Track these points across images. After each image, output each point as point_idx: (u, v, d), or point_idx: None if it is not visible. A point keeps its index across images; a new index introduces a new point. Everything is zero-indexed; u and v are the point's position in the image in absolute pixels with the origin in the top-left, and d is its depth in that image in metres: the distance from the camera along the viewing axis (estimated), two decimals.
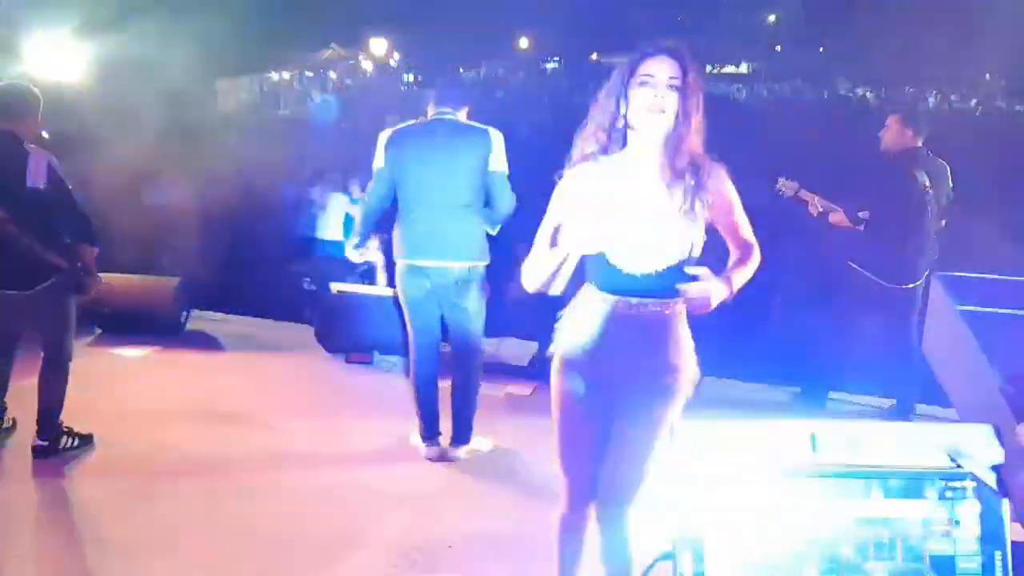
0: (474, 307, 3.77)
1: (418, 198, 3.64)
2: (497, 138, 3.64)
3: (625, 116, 2.08)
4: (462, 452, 3.87)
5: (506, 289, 5.19)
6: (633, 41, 2.14)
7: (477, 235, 3.69)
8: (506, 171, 3.66)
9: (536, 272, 2.07)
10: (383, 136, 3.71)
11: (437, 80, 3.93)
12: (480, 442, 3.96)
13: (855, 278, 4.55)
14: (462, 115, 3.71)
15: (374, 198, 3.77)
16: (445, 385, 3.93)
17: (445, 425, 3.94)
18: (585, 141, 2.18)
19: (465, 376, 3.85)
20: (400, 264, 3.73)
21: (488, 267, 3.79)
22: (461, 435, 3.87)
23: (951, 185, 4.51)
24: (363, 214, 3.89)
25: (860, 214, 4.48)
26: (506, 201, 3.66)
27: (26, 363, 5.07)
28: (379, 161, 3.69)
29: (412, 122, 3.80)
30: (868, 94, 30.92)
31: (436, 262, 3.64)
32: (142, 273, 6.00)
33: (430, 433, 3.86)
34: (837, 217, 4.66)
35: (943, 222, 4.58)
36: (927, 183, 4.33)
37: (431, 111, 3.73)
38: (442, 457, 3.86)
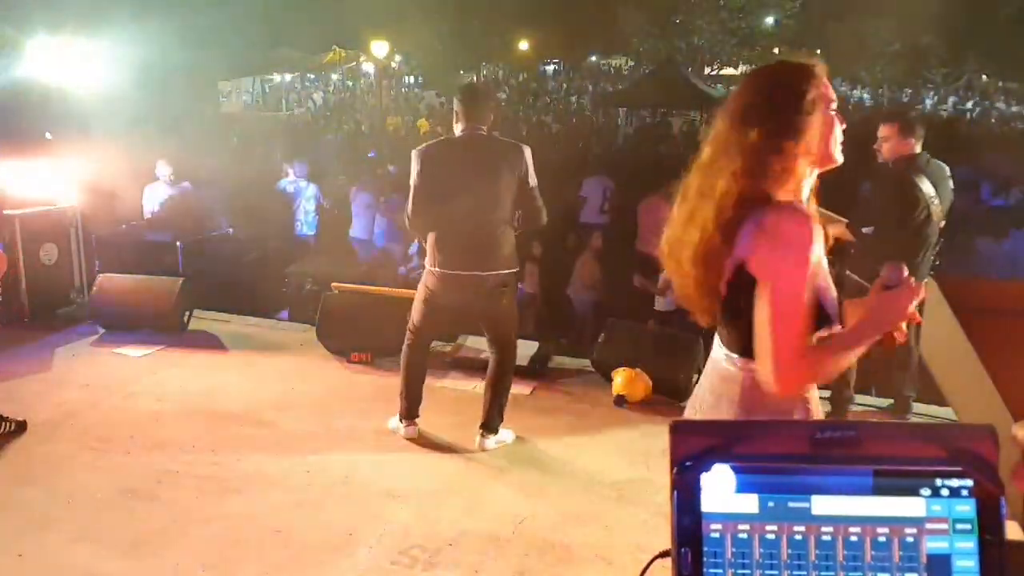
0: (509, 310, 3.98)
1: (456, 211, 3.76)
2: (529, 154, 3.81)
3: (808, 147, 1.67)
4: (491, 442, 4.06)
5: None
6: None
7: (511, 244, 3.88)
8: (536, 183, 3.84)
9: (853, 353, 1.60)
10: (417, 152, 3.84)
11: (461, 94, 3.93)
12: (506, 434, 4.14)
13: (855, 288, 4.35)
14: (487, 128, 3.84)
15: (418, 212, 3.85)
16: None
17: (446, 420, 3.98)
18: (778, 179, 1.65)
19: (501, 373, 4.06)
20: (436, 272, 3.87)
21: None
22: (492, 426, 4.07)
23: (951, 187, 4.45)
24: (412, 228, 4.03)
25: (864, 230, 4.33)
26: (539, 212, 3.87)
27: (27, 362, 5.10)
28: (415, 176, 3.82)
29: (446, 137, 3.97)
30: (865, 95, 30.94)
31: (475, 272, 3.81)
32: (144, 273, 6.01)
33: (412, 413, 4.12)
34: (838, 230, 4.49)
35: (942, 223, 4.56)
36: (932, 192, 4.23)
37: (462, 126, 3.83)
38: (411, 437, 4.12)
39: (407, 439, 4.10)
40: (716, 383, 1.79)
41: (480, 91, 4.14)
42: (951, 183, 4.42)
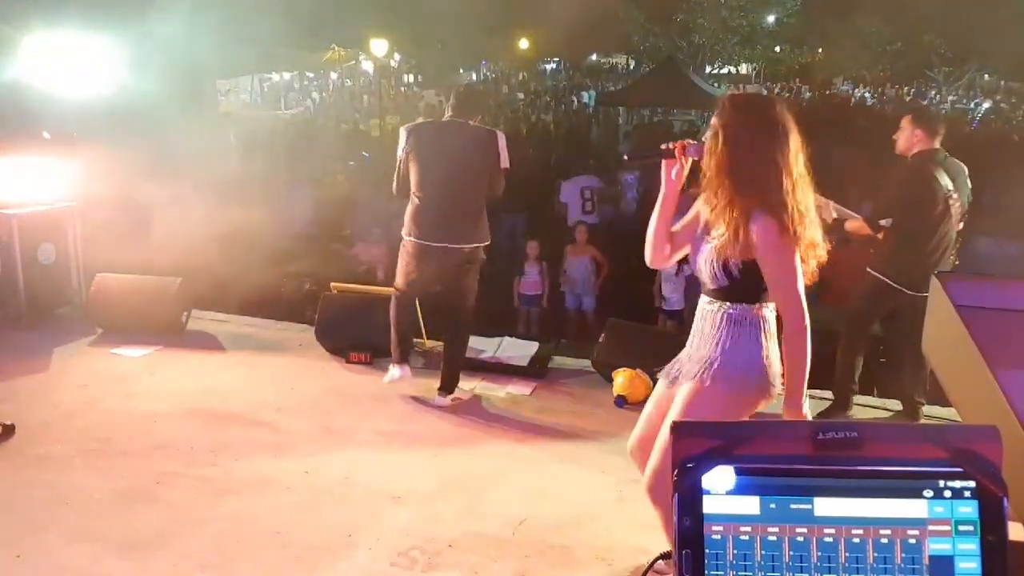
0: (472, 283, 4.35)
1: (435, 186, 4.11)
2: (503, 139, 4.21)
3: None
4: (448, 399, 4.48)
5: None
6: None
7: (484, 220, 4.26)
8: (508, 165, 4.22)
9: None
10: (404, 128, 4.22)
11: (456, 91, 4.41)
12: (459, 392, 4.56)
13: (873, 284, 4.36)
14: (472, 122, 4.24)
15: (401, 183, 4.23)
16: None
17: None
18: None
19: (458, 339, 4.47)
20: (412, 242, 4.20)
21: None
22: (449, 386, 4.49)
23: (970, 186, 4.34)
24: (398, 195, 4.31)
25: (882, 222, 4.29)
26: (501, 188, 4.29)
27: (25, 362, 5.09)
28: (401, 150, 4.19)
29: (431, 119, 4.40)
30: (867, 94, 30.92)
31: (447, 244, 4.16)
32: (143, 273, 5.99)
33: (405, 357, 4.44)
34: (855, 224, 4.38)
35: (961, 224, 4.37)
36: (951, 186, 4.17)
37: (446, 115, 4.24)
38: (406, 376, 4.45)
39: (402, 377, 4.39)
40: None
41: (474, 93, 4.61)
42: (969, 182, 4.37)
